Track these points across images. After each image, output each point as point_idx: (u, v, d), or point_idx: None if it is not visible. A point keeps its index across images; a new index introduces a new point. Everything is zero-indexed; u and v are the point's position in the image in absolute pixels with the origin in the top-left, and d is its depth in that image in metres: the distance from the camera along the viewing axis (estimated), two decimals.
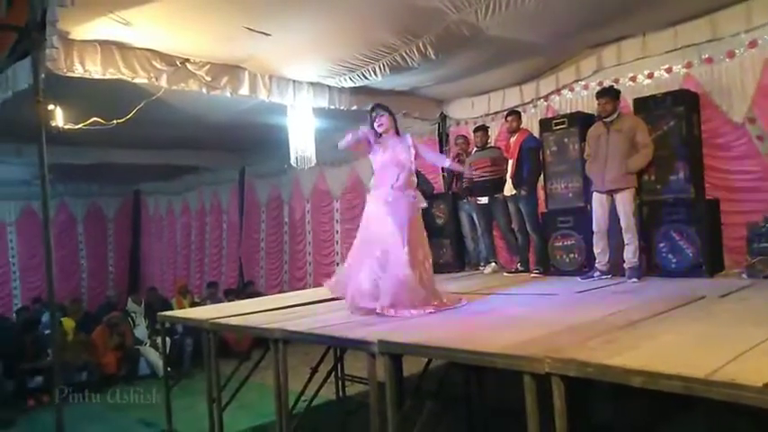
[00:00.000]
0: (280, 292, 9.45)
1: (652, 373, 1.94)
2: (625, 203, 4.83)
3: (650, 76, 5.55)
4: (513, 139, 5.93)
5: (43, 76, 4.20)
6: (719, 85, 5.08)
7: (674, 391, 1.89)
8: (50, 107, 4.59)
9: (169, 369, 5.64)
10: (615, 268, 4.99)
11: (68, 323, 7.96)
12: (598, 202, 4.98)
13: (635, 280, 4.71)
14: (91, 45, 4.53)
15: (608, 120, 4.95)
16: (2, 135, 7.25)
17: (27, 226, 11.63)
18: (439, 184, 7.37)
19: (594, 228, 5.01)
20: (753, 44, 4.86)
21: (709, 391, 1.81)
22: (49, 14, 3.84)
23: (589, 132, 5.17)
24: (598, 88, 5.48)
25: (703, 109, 5.13)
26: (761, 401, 1.69)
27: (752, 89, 4.86)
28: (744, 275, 4.50)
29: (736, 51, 4.97)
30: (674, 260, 4.83)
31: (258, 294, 8.62)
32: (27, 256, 11.70)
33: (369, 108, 4.35)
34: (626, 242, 4.83)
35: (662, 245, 4.89)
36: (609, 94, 5.01)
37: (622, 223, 4.84)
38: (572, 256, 5.48)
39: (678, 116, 4.90)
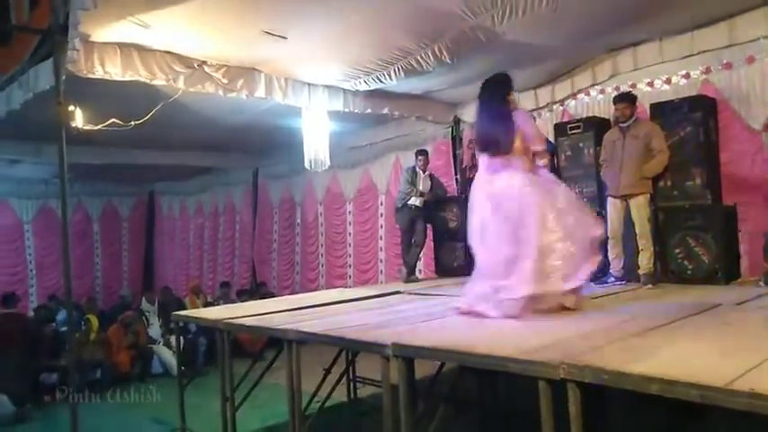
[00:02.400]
0: (291, 293, 9.49)
1: (669, 380, 1.92)
2: (640, 209, 4.79)
3: (668, 81, 5.49)
4: None
5: (64, 77, 4.26)
6: (738, 91, 5.03)
7: (691, 399, 1.87)
8: (71, 108, 4.65)
9: (182, 368, 5.69)
10: (630, 274, 4.95)
11: (94, 321, 8.07)
12: (613, 207, 4.95)
13: (650, 286, 4.67)
14: (111, 47, 4.58)
15: (624, 125, 4.93)
16: (22, 135, 7.37)
17: (44, 225, 11.78)
18: (452, 188, 7.37)
19: (609, 233, 4.96)
20: None
21: (728, 401, 1.79)
22: (71, 17, 3.90)
23: (605, 137, 5.14)
24: (614, 93, 5.45)
25: (721, 115, 5.09)
26: None
27: None
28: (761, 283, 4.45)
29: (756, 57, 4.92)
30: (690, 267, 4.79)
31: (271, 295, 8.67)
32: (43, 254, 11.84)
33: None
34: (641, 248, 4.79)
35: (677, 251, 4.85)
36: (627, 100, 4.98)
37: (637, 229, 4.81)
38: None
39: (695, 122, 4.88)
